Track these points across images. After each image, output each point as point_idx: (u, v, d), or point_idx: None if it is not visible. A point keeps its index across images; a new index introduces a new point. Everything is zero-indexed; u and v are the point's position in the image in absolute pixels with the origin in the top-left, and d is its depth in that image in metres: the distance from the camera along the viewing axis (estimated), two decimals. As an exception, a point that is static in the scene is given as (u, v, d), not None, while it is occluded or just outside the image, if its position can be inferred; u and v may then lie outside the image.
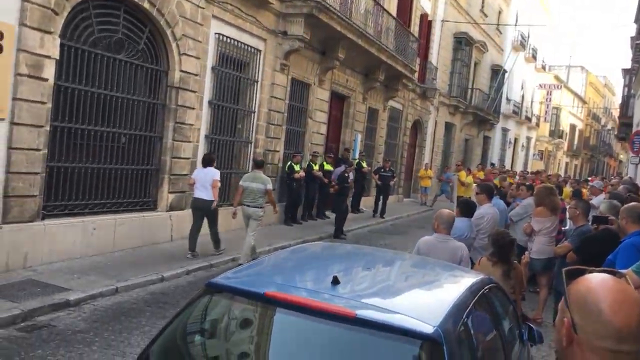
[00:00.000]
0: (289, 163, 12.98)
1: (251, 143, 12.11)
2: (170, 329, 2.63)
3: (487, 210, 6.85)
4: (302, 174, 13.19)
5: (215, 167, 9.33)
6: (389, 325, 2.39)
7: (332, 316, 2.42)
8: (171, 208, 9.87)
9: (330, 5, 12.67)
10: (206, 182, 9.06)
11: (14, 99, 6.93)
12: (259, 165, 9.70)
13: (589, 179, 21.13)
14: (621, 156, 76.85)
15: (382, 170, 17.33)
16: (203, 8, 10.07)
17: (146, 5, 8.81)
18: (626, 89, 29.48)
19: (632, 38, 25.60)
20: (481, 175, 18.70)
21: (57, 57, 7.44)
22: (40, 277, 7.01)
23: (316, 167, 13.96)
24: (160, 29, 9.25)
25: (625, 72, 29.98)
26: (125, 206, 9.04)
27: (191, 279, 8.25)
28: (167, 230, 9.82)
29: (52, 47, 7.33)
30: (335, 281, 2.66)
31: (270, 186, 9.32)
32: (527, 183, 10.88)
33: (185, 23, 9.67)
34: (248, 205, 9.22)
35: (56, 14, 7.33)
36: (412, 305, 2.73)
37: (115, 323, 6.05)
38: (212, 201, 9.12)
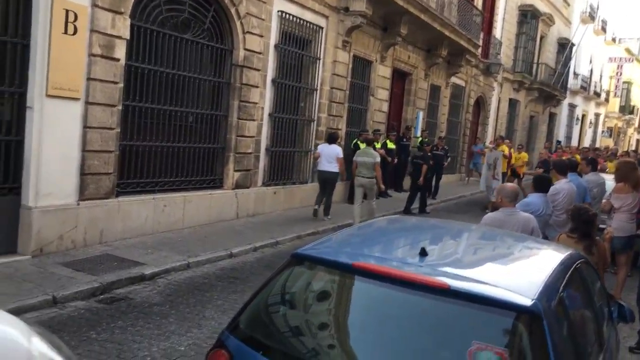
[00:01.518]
0: (355, 141, 12.89)
1: (314, 121, 12.08)
2: (258, 299, 2.63)
3: (563, 186, 6.57)
4: (381, 151, 13.10)
5: (337, 144, 10.93)
6: (483, 297, 2.30)
7: (424, 287, 2.35)
8: (237, 186, 9.98)
9: (393, -21, 12.41)
10: (331, 157, 10.68)
11: (88, 79, 7.12)
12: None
13: None
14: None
15: (435, 148, 16.55)
16: (266, -15, 10.04)
17: (211, -17, 8.86)
18: None
19: None
20: (524, 157, 17.30)
21: (128, 38, 7.58)
22: (116, 252, 7.24)
23: (378, 145, 13.79)
24: (225, 7, 9.28)
25: None
26: (193, 184, 9.20)
27: (258, 255, 8.34)
28: (233, 208, 9.95)
29: (123, 27, 7.46)
30: (423, 252, 2.59)
31: (378, 159, 10.59)
32: (589, 157, 10.41)
33: (249, 1, 9.66)
34: (363, 177, 10.39)
35: (126, -6, 7.46)
36: (505, 277, 2.63)
37: (189, 297, 6.18)
38: (337, 173, 10.80)
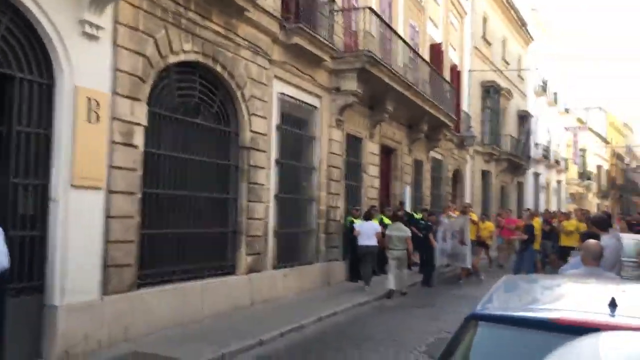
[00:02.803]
0: (349, 218, 12.83)
1: (314, 200, 11.97)
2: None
3: (608, 242, 6.54)
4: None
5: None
6: None
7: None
8: (249, 270, 9.63)
9: (381, 59, 12.81)
10: (370, 232, 11.93)
11: (110, 167, 6.89)
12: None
13: None
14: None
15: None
16: (267, 69, 10.18)
17: (219, 68, 8.91)
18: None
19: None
20: (490, 226, 17.30)
21: (146, 124, 7.45)
22: (144, 349, 6.75)
23: (376, 221, 13.71)
24: (231, 91, 9.32)
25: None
26: (208, 271, 8.83)
27: (286, 341, 7.90)
28: (248, 294, 9.54)
29: (141, 113, 7.35)
30: (613, 303, 2.42)
31: (410, 234, 12.12)
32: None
33: (253, 84, 9.75)
34: (397, 249, 11.86)
35: (143, 81, 7.40)
36: None
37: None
38: (377, 247, 11.99)
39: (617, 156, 62.82)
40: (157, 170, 7.87)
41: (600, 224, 6.75)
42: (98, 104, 6.71)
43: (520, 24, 31.91)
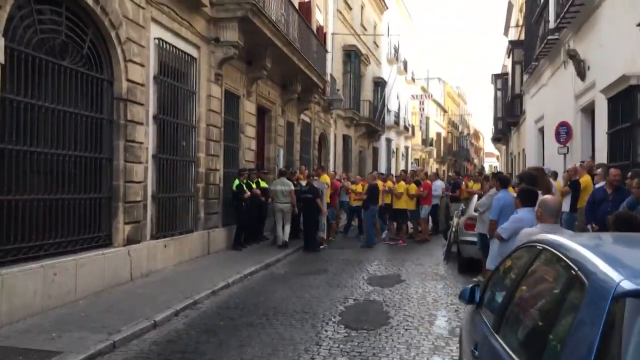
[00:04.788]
0: (236, 182, 11.86)
1: (193, 162, 10.80)
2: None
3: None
4: (257, 191, 12.29)
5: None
6: None
7: None
8: (128, 242, 8.35)
9: (263, 9, 11.81)
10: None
11: (-43, 113, 5.31)
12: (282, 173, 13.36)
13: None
14: (475, 160, 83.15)
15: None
16: (144, 8, 8.76)
17: (89, 1, 7.39)
18: (499, 92, 31.63)
19: (508, 46, 27.38)
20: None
21: (2, 62, 5.88)
22: (12, 342, 5.38)
23: (254, 185, 12.90)
24: (104, 30, 7.84)
25: (497, 77, 32.29)
26: (81, 244, 7.44)
27: (184, 319, 6.88)
28: (127, 268, 8.29)
29: (-3, 47, 5.77)
30: None
31: (293, 187, 12.98)
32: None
33: (129, 25, 8.32)
34: (282, 202, 12.71)
35: (-2, 6, 5.80)
36: None
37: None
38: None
39: (452, 124, 67.66)
40: (17, 122, 6.32)
41: (531, 181, 6.52)
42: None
43: (377, -9, 32.32)
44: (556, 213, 4.66)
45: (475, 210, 9.40)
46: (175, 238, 9.98)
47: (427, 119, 49.80)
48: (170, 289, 8.05)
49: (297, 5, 18.64)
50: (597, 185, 8.41)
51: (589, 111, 12.99)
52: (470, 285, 3.63)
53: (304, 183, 13.80)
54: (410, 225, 15.64)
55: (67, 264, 6.94)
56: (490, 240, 7.95)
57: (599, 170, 8.71)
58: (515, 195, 8.43)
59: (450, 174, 32.41)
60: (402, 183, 15.03)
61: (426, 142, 50.52)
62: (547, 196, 4.84)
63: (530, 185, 6.23)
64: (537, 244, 2.87)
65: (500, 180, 8.17)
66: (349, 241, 15.06)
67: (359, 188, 15.79)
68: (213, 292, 8.17)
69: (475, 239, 9.45)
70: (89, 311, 6.66)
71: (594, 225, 7.63)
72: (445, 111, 61.58)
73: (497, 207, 7.69)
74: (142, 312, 6.76)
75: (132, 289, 7.91)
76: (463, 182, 18.19)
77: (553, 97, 16.34)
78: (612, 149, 10.03)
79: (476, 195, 10.94)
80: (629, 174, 6.96)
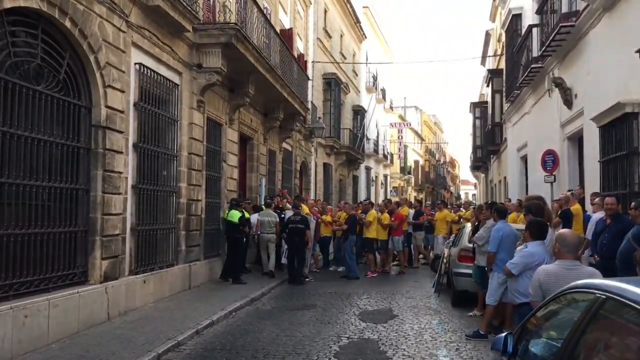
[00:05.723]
0: (237, 213, 11.62)
1: (174, 192, 10.32)
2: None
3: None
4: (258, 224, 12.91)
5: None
6: None
7: None
8: (105, 278, 7.80)
9: (247, 35, 11.52)
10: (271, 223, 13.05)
11: None
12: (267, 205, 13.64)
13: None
14: (452, 188, 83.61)
15: None
16: (124, 32, 8.38)
17: (67, 24, 6.99)
18: (477, 121, 31.75)
19: (487, 74, 27.55)
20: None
21: (-28, 85, 5.43)
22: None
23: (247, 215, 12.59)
24: (83, 54, 7.42)
25: (475, 105, 32.49)
26: (54, 281, 6.89)
27: (166, 364, 6.37)
28: (104, 307, 7.72)
29: (-35, 70, 5.31)
30: None
31: (278, 219, 13.18)
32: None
33: (109, 49, 7.92)
34: (268, 233, 12.95)
35: (-32, 26, 5.36)
36: None
37: None
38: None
39: (430, 152, 68.02)
40: (-13, 151, 5.84)
41: (538, 212, 6.19)
42: None
43: (355, 20, 32.42)
44: (575, 249, 4.32)
45: (470, 242, 9.07)
46: (155, 273, 9.44)
47: (406, 147, 49.89)
48: (151, 329, 7.50)
49: (279, 33, 18.52)
50: (596, 215, 8.15)
51: (575, 139, 12.90)
52: (504, 334, 3.26)
53: (289, 213, 13.46)
54: (378, 256, 15.15)
55: (39, 304, 6.38)
56: (489, 273, 7.63)
57: (597, 199, 8.46)
58: (512, 225, 8.20)
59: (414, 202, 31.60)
60: (373, 212, 14.67)
61: (404, 170, 50.50)
62: (565, 230, 4.51)
63: (538, 216, 5.92)
64: (595, 291, 2.52)
65: (498, 211, 7.88)
66: (333, 273, 14.59)
67: (328, 218, 15.43)
68: (197, 331, 7.64)
69: (469, 270, 9.11)
70: (63, 356, 6.10)
71: (596, 257, 7.36)
72: (422, 139, 61.90)
73: (496, 238, 7.39)
74: (121, 356, 6.23)
75: (110, 330, 7.35)
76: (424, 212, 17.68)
77: (537, 125, 16.28)
78: (605, 178, 9.86)
79: (468, 225, 10.61)
80: (632, 204, 6.70)
